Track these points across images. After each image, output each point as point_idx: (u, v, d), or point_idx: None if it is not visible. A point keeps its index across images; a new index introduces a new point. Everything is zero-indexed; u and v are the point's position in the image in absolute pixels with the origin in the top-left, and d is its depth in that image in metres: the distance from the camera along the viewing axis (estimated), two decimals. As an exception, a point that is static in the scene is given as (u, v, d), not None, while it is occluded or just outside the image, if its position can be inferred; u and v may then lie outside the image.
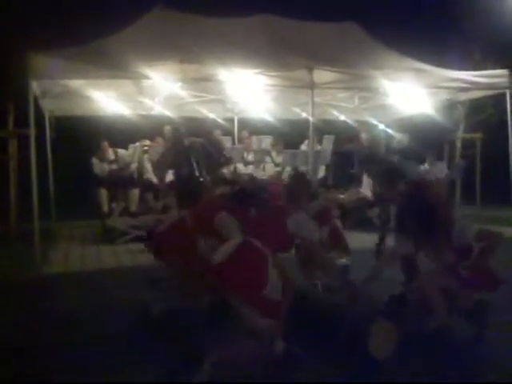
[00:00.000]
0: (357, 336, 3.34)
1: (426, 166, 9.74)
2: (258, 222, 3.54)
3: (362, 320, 3.45)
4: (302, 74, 7.32)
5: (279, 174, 9.58)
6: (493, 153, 10.57)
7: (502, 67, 9.21)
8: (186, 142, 8.52)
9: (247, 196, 3.95)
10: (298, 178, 4.13)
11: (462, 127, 11.81)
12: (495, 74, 8.72)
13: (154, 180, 8.95)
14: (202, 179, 8.25)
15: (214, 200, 4.34)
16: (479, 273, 3.65)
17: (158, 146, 8.89)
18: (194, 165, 8.21)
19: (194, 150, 8.39)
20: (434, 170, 9.69)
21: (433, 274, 3.62)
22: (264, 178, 9.37)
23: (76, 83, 7.63)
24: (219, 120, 10.69)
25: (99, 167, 8.78)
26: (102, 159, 8.81)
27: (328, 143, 9.98)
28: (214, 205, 4.11)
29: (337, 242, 4.89)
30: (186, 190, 5.33)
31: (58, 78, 7.00)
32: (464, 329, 3.70)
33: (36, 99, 7.45)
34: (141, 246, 5.96)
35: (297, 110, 10.51)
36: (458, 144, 11.55)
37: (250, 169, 9.64)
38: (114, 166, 8.87)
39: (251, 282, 3.00)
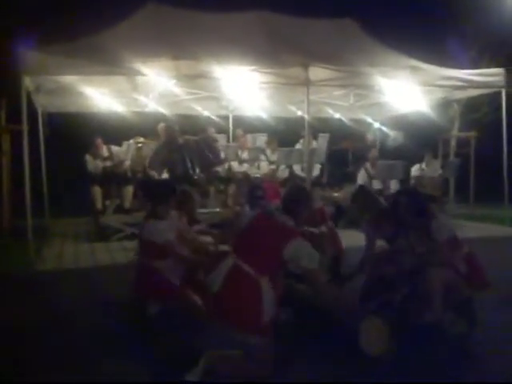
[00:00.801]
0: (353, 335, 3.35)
1: (422, 165, 9.74)
2: (249, 241, 3.17)
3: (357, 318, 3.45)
4: (297, 71, 7.30)
5: (274, 172, 9.55)
6: (487, 151, 10.57)
7: (497, 65, 9.25)
8: (180, 140, 8.48)
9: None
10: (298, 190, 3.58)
11: (456, 125, 11.85)
12: (491, 73, 8.75)
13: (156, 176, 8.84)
14: (196, 177, 8.22)
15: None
16: (473, 269, 3.66)
17: (152, 144, 8.82)
18: (188, 163, 8.17)
19: (188, 148, 8.34)
20: (429, 169, 9.70)
21: (440, 269, 3.60)
22: (258, 176, 9.35)
23: (69, 79, 7.57)
24: (214, 117, 10.66)
25: (93, 164, 8.71)
26: (96, 156, 8.74)
27: (323, 141, 9.96)
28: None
29: (332, 242, 4.93)
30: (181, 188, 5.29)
31: (51, 73, 6.94)
32: (456, 324, 3.70)
33: (29, 95, 7.39)
34: (135, 243, 5.93)
35: (292, 107, 10.49)
36: (453, 142, 11.59)
37: (244, 167, 9.60)
38: (108, 163, 8.80)
39: (245, 313, 2.93)
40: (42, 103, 9.07)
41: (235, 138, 10.42)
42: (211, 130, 9.75)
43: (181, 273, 4.06)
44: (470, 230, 8.15)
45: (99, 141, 8.83)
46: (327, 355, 3.40)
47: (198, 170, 8.34)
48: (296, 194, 3.38)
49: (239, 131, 10.41)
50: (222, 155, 9.16)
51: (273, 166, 9.63)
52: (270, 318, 2.94)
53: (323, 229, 4.82)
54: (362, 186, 5.13)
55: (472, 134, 11.32)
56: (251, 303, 2.91)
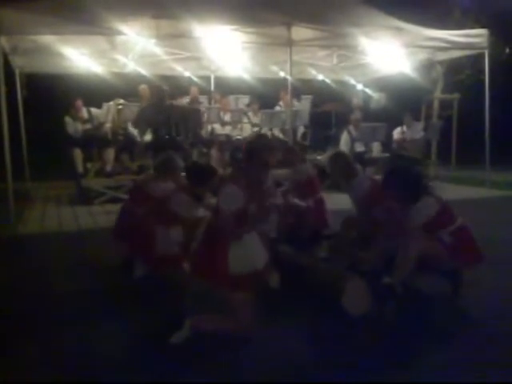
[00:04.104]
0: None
1: (404, 128, 9.77)
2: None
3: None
4: (280, 30, 7.19)
5: (256, 134, 9.48)
6: (469, 113, 10.62)
7: (481, 27, 9.19)
8: (168, 102, 8.32)
9: None
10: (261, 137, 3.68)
11: (439, 87, 11.85)
12: (474, 34, 8.71)
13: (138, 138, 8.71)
14: (179, 139, 8.13)
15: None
16: (462, 243, 3.68)
17: (133, 105, 8.67)
18: (173, 126, 8.05)
19: (175, 111, 8.20)
20: (411, 131, 9.73)
21: (420, 240, 3.64)
22: (240, 138, 9.29)
23: (47, 39, 7.37)
24: (195, 78, 10.51)
25: (73, 127, 8.56)
26: (76, 118, 8.58)
27: (306, 103, 9.90)
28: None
29: (319, 215, 4.96)
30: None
31: (27, 33, 6.75)
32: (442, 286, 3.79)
33: (6, 55, 7.20)
34: (117, 206, 5.88)
35: (275, 68, 10.37)
36: (436, 104, 11.60)
37: (227, 129, 9.52)
38: (88, 126, 8.66)
39: (211, 262, 2.97)
40: (20, 64, 8.87)
41: (215, 101, 10.28)
42: (194, 90, 9.63)
43: (178, 243, 4.11)
44: (450, 191, 8.27)
45: (79, 102, 8.66)
46: (308, 314, 3.45)
47: (181, 134, 8.23)
48: (255, 142, 3.35)
49: (216, 94, 10.27)
50: (202, 129, 9.02)
51: (256, 129, 9.56)
52: (244, 273, 2.95)
53: (310, 202, 4.85)
54: (337, 152, 5.11)
55: (455, 95, 11.33)
56: (216, 254, 2.96)
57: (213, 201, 4.76)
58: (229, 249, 2.95)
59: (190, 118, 8.18)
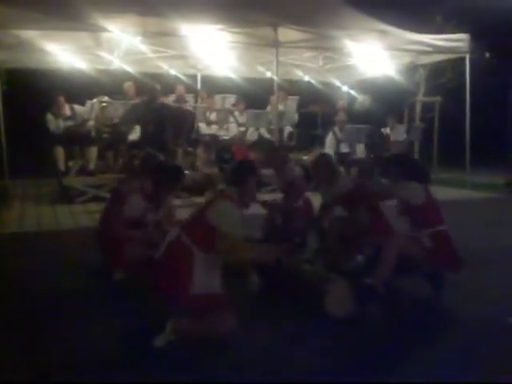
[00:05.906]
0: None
1: (387, 130, 9.86)
2: (194, 214, 3.18)
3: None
4: (266, 31, 7.21)
5: (243, 134, 9.46)
6: (451, 116, 10.75)
7: (463, 31, 9.34)
8: (160, 101, 8.22)
9: None
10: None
11: (422, 90, 11.97)
12: (456, 38, 8.88)
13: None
14: (165, 138, 8.05)
15: None
16: (441, 249, 3.69)
17: (118, 103, 8.56)
18: (161, 125, 7.96)
19: (166, 110, 8.10)
20: (394, 133, 9.84)
21: (400, 239, 3.68)
22: (227, 138, 9.26)
23: (30, 34, 7.27)
24: (181, 76, 10.45)
25: (54, 124, 8.40)
26: (58, 115, 8.43)
27: (292, 104, 9.92)
28: None
29: (308, 216, 4.98)
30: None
31: (10, 27, 6.65)
32: (424, 288, 3.82)
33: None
34: (99, 206, 5.79)
35: (261, 68, 10.37)
36: (418, 107, 11.72)
37: (212, 129, 9.47)
38: (70, 123, 8.52)
39: (176, 283, 2.90)
40: (1, 59, 8.71)
41: (201, 100, 10.24)
42: (181, 88, 9.58)
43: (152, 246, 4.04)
44: (432, 193, 8.34)
45: (61, 99, 8.50)
46: (292, 315, 3.45)
47: (170, 135, 8.15)
48: (241, 167, 3.32)
49: (202, 93, 10.22)
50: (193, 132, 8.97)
51: (242, 129, 9.54)
52: (207, 294, 2.89)
53: (299, 202, 4.88)
54: (321, 154, 5.13)
55: (437, 98, 11.47)
56: (180, 272, 2.89)
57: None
58: (194, 267, 2.89)
59: (185, 121, 8.09)
